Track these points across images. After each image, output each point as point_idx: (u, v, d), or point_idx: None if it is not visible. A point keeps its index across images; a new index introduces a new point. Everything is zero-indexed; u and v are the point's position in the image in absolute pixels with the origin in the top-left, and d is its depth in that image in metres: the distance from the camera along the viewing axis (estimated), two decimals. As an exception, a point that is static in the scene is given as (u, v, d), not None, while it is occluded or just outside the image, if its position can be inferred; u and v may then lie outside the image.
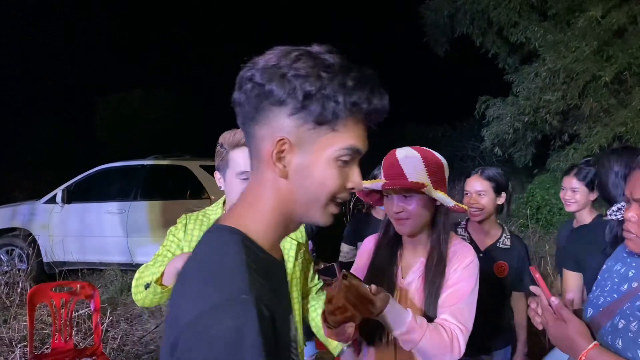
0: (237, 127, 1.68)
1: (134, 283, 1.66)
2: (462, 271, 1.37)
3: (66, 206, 6.04)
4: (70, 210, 6.05)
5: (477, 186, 2.22)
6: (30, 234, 6.07)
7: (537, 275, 1.17)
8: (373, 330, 1.39)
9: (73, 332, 3.42)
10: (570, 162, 6.97)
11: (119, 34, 15.14)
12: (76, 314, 4.12)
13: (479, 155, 11.39)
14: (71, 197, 6.06)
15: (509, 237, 2.25)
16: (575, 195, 2.39)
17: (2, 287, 5.01)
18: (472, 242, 2.24)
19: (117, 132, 13.14)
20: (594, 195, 2.36)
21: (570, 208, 2.43)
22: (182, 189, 5.93)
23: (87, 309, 4.26)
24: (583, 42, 6.87)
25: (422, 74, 15.85)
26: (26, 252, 5.96)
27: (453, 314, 1.32)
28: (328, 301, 1.26)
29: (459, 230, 2.33)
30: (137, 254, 5.87)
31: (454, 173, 2.99)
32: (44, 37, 14.03)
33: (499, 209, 2.26)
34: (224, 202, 1.75)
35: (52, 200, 6.09)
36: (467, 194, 2.26)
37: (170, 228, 1.73)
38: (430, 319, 1.34)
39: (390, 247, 1.47)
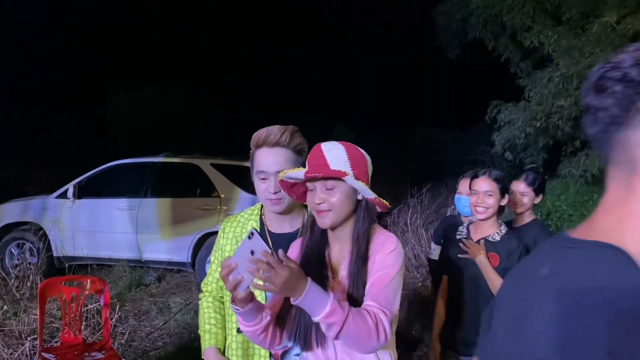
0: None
1: (203, 288, 1.80)
2: (385, 258, 1.36)
3: (77, 201, 6.10)
4: (81, 206, 6.11)
5: (485, 187, 2.31)
6: (41, 228, 6.15)
7: None
8: (307, 334, 1.37)
9: (82, 327, 3.46)
10: (581, 169, 6.90)
11: (131, 31, 15.24)
12: (85, 308, 4.16)
13: (489, 159, 11.29)
14: (82, 192, 6.12)
15: (500, 234, 2.32)
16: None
17: (13, 280, 5.07)
18: (469, 238, 2.36)
19: (127, 129, 13.24)
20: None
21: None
22: (193, 187, 5.97)
23: (96, 304, 4.30)
24: (597, 47, 6.80)
25: (434, 77, 15.81)
26: (37, 246, 6.03)
27: (376, 299, 1.31)
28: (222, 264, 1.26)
29: (461, 228, 2.46)
30: (146, 251, 5.92)
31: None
32: (56, 33, 14.15)
33: (500, 210, 2.37)
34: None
35: (64, 195, 6.16)
36: (474, 193, 2.35)
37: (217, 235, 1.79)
38: None
39: (318, 248, 1.45)
